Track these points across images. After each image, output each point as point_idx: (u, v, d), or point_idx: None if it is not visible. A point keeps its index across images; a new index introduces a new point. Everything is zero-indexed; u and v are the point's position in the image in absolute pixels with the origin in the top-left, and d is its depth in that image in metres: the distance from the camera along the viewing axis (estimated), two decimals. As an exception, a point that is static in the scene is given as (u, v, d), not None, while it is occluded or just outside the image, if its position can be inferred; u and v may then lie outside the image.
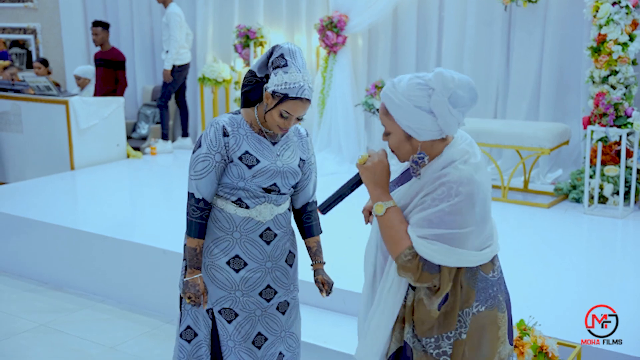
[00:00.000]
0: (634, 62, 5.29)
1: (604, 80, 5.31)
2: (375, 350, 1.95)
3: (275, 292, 2.52)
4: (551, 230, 4.90)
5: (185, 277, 2.43)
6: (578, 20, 5.77)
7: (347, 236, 4.42)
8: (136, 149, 7.64)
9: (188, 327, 2.55)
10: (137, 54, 8.87)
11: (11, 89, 7.29)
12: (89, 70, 8.11)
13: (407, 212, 1.89)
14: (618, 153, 5.25)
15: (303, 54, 2.39)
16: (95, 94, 7.74)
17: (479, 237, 1.85)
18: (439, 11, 6.60)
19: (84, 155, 6.80)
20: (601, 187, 5.25)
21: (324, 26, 6.80)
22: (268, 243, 2.47)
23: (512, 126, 5.61)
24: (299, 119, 2.37)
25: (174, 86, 7.66)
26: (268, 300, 2.51)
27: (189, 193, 2.42)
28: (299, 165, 2.50)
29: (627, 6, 5.17)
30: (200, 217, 2.40)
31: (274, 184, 2.43)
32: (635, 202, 5.25)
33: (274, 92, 2.31)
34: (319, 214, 2.18)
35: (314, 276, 2.60)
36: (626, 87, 5.30)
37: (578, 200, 5.41)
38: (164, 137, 7.82)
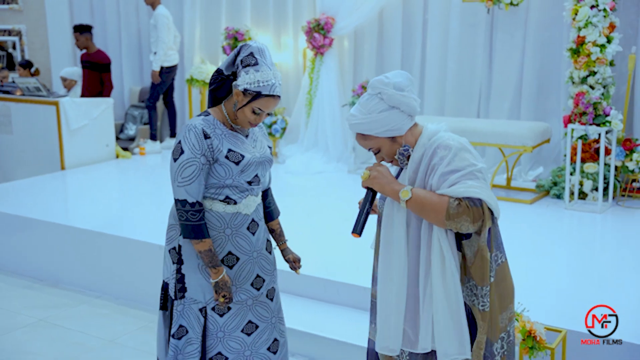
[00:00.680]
0: (611, 63, 5.50)
1: (583, 80, 5.52)
2: (465, 338, 2.06)
3: (264, 280, 2.61)
4: (534, 225, 5.08)
5: (212, 278, 2.45)
6: (558, 22, 5.97)
7: (340, 232, 4.56)
8: (124, 149, 7.71)
9: (181, 326, 2.55)
10: (124, 55, 8.93)
11: (0, 90, 7.34)
12: (75, 71, 8.14)
13: (417, 185, 2.12)
14: (597, 150, 5.46)
15: (270, 51, 2.47)
16: (82, 96, 7.79)
17: (487, 175, 2.10)
18: (423, 14, 6.76)
19: (74, 155, 6.87)
20: (581, 184, 5.44)
21: (311, 28, 6.93)
22: (254, 234, 2.57)
23: (495, 125, 5.78)
24: (268, 114, 2.47)
25: (162, 87, 7.75)
26: (258, 289, 2.59)
27: (179, 201, 2.41)
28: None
29: (604, 9, 5.38)
30: (200, 219, 2.42)
31: (256, 175, 2.53)
32: (613, 198, 5.45)
33: (246, 90, 2.37)
34: (355, 237, 2.18)
35: (284, 256, 2.74)
36: (604, 87, 5.51)
37: (559, 197, 5.60)
38: (153, 137, 7.90)
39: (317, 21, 6.91)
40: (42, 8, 9.52)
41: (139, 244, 4.56)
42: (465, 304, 2.09)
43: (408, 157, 2.14)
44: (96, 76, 7.76)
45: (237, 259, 2.52)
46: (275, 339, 2.67)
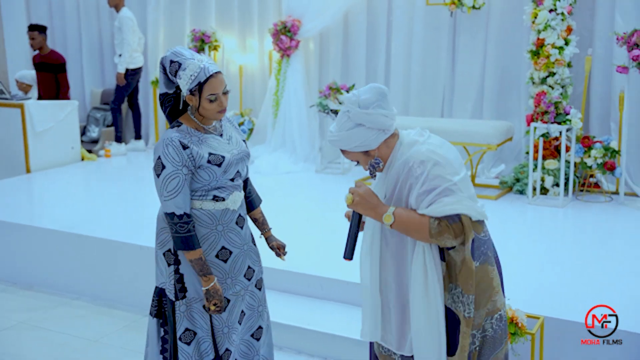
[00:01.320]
0: (569, 65, 5.78)
1: (543, 81, 5.78)
2: (443, 349, 2.18)
3: (254, 271, 2.72)
4: (500, 219, 5.28)
5: (203, 286, 2.51)
6: (518, 26, 6.22)
7: (328, 229, 4.66)
8: (89, 151, 7.65)
9: (187, 329, 2.58)
10: (84, 57, 8.85)
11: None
12: (28, 75, 7.93)
13: (393, 200, 2.20)
14: (557, 148, 5.72)
15: (185, 47, 2.56)
16: (39, 99, 7.60)
17: (467, 185, 2.16)
18: (387, 16, 6.93)
19: (39, 158, 6.80)
20: (542, 180, 5.69)
21: (277, 30, 7.02)
22: (242, 228, 2.66)
23: (460, 124, 5.98)
24: (225, 94, 2.52)
25: (127, 89, 7.72)
26: (249, 280, 2.70)
27: (167, 214, 2.46)
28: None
29: (562, 13, 5.65)
30: (188, 230, 2.47)
31: (237, 172, 2.62)
32: (573, 193, 5.72)
33: (190, 90, 2.45)
34: (346, 261, 2.27)
35: (269, 243, 2.83)
36: (563, 87, 5.79)
37: (522, 192, 5.84)
38: (118, 139, 7.86)
39: (283, 23, 7.00)
40: (-2, 9, 9.35)
41: (112, 244, 4.57)
42: (450, 309, 2.19)
43: (378, 170, 2.23)
44: (51, 77, 7.58)
45: (230, 252, 2.61)
46: (260, 327, 2.78)
